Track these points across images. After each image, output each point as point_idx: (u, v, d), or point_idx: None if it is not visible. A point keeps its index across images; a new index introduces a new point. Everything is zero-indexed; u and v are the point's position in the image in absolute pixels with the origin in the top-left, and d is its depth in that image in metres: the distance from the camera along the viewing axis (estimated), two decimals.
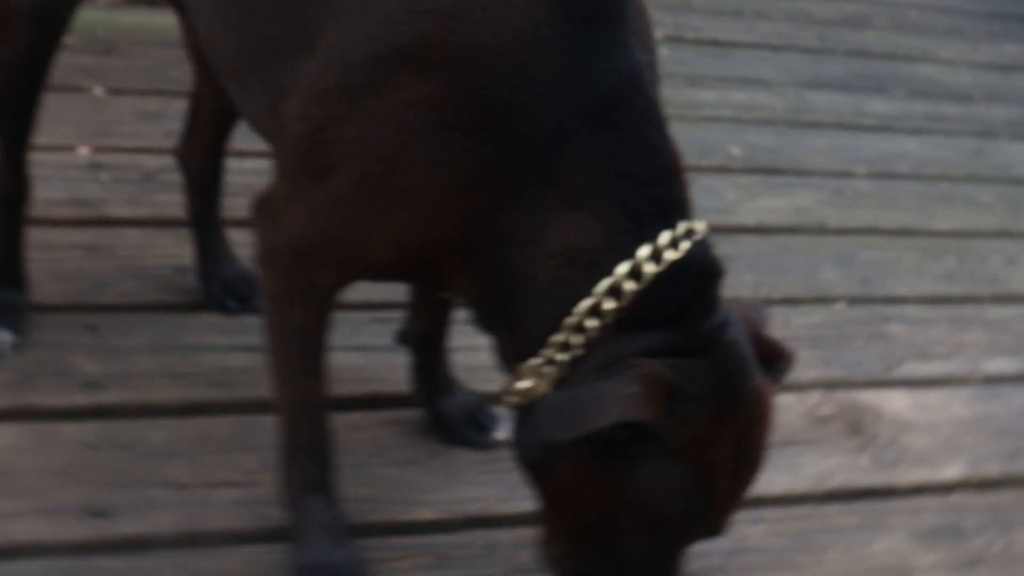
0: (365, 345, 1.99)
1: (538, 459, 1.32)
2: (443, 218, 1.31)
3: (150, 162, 2.38)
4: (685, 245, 1.28)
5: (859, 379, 2.18)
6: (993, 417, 2.15)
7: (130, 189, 2.28)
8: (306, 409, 1.51)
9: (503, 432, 1.85)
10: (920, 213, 2.81)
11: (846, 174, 2.93)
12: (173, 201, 2.26)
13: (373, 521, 1.67)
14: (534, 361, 1.32)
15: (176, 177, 2.33)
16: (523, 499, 1.75)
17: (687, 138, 2.93)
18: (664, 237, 1.27)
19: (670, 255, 1.27)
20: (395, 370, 1.95)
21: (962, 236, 2.76)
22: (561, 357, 1.30)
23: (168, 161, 2.38)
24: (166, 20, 2.97)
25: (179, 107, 2.59)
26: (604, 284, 1.27)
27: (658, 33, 3.55)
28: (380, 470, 1.76)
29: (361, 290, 2.11)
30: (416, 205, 1.30)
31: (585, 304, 1.27)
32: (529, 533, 1.70)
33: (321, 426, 1.53)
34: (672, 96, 3.13)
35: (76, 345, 1.87)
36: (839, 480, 1.92)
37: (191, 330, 1.96)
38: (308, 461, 1.53)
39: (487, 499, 1.74)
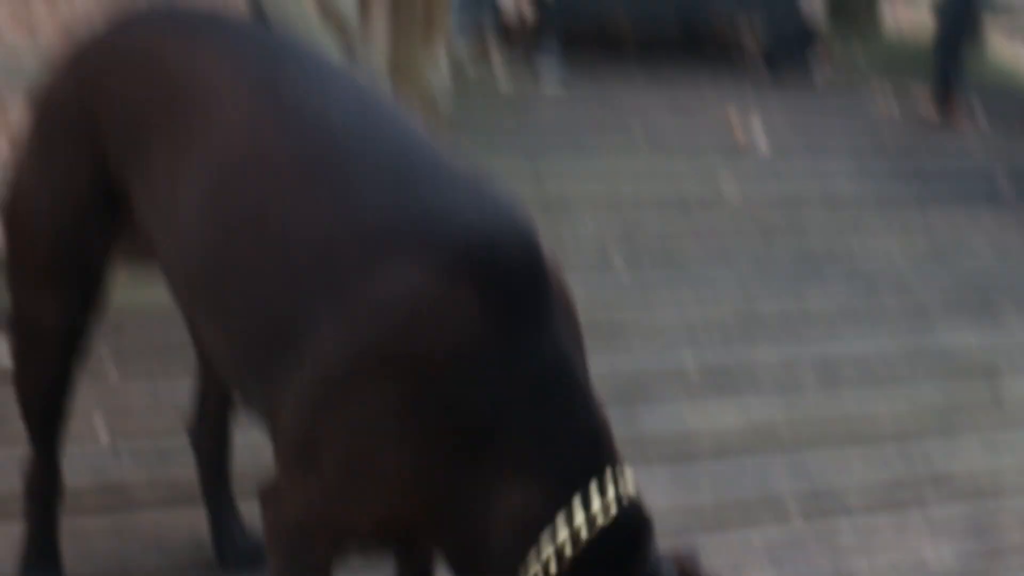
0: None
1: None
2: (413, 497, 1.57)
3: (165, 440, 2.64)
4: (615, 508, 1.54)
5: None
6: None
7: (149, 467, 2.54)
8: None
9: None
10: (864, 418, 3.07)
11: (794, 382, 3.20)
12: (187, 475, 2.52)
13: None
14: None
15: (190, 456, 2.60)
16: None
17: (645, 362, 3.20)
18: (597, 499, 1.54)
19: (603, 519, 1.53)
20: None
21: (903, 435, 3.01)
22: None
23: (180, 439, 2.64)
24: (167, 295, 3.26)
25: (185, 381, 2.86)
26: (546, 552, 1.52)
27: (616, 255, 3.84)
28: None
29: None
30: (390, 488, 1.57)
31: (534, 566, 1.53)
32: None
33: None
34: (629, 319, 3.41)
35: None
36: None
37: None
38: None
39: None
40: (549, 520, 1.53)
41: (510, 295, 1.55)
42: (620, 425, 2.87)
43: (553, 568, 1.52)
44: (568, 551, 1.53)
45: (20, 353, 2.02)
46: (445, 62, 3.97)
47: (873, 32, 6.96)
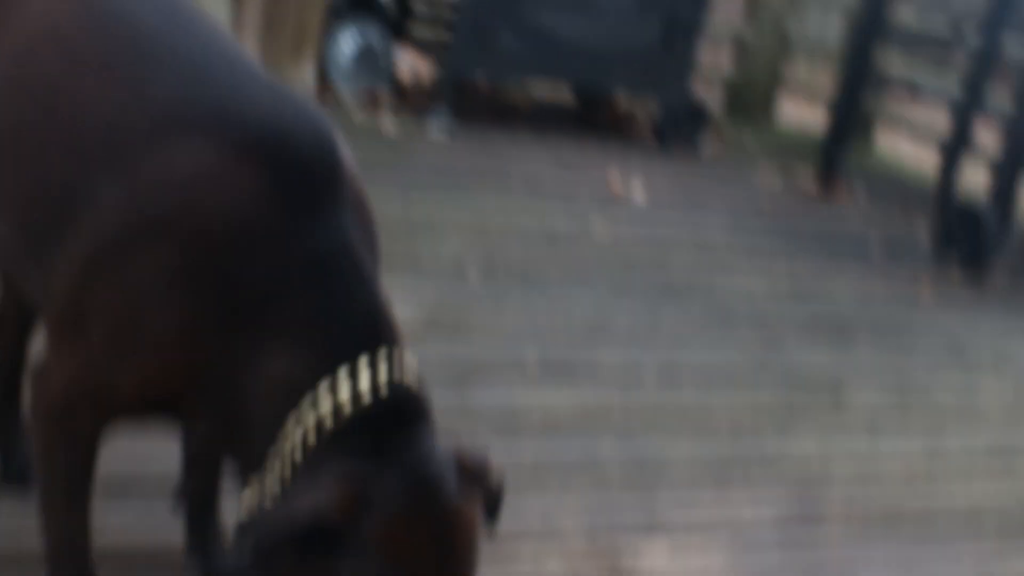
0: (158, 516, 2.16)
1: (261, 570, 1.51)
2: (177, 363, 1.55)
3: None
4: (386, 379, 1.51)
5: (624, 526, 2.38)
6: (749, 568, 2.34)
7: None
8: (70, 547, 1.70)
9: None
10: (701, 410, 3.06)
11: (635, 377, 3.19)
12: None
13: None
14: (257, 478, 1.53)
15: None
16: None
17: (486, 352, 3.17)
18: (366, 373, 1.51)
19: (369, 389, 1.50)
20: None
21: (737, 424, 3.00)
22: (275, 475, 1.51)
23: None
24: None
25: None
26: (309, 417, 1.49)
27: (472, 268, 3.84)
28: None
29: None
30: (155, 353, 1.55)
31: (291, 424, 1.49)
32: None
33: (82, 555, 1.71)
34: (476, 321, 3.39)
35: None
36: None
37: None
38: None
39: None
40: (312, 390, 1.50)
41: (297, 180, 1.55)
42: (450, 402, 2.83)
43: (312, 438, 1.49)
44: (329, 423, 1.49)
45: None
46: (312, 82, 3.99)
47: (766, 123, 7.11)
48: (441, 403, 2.72)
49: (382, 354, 1.52)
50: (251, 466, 1.55)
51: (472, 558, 1.49)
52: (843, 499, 2.61)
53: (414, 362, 1.57)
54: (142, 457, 2.30)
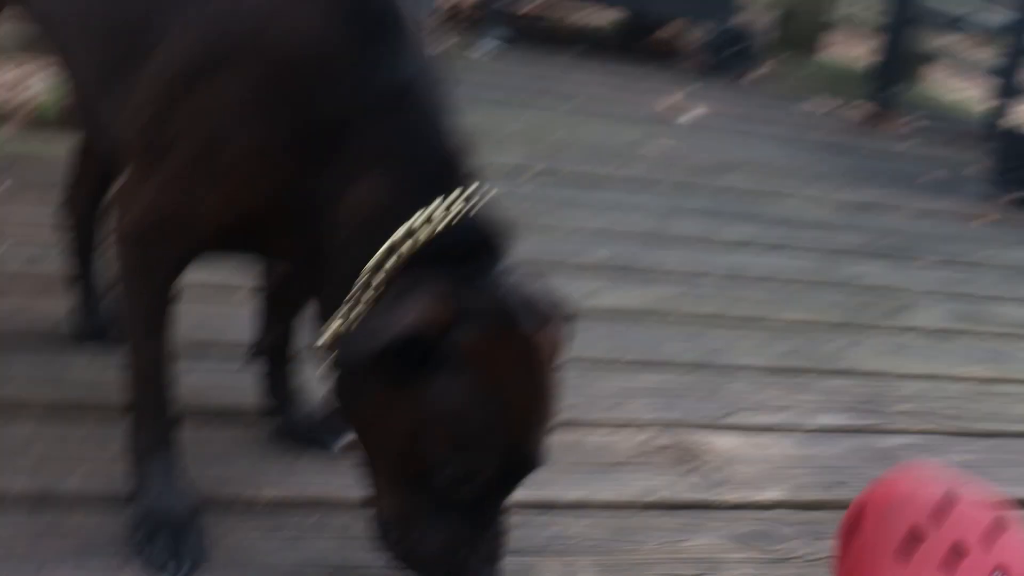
0: (235, 375, 2.15)
1: (347, 395, 1.51)
2: (259, 186, 1.53)
3: (45, 239, 2.55)
4: (472, 202, 1.51)
5: (696, 420, 2.36)
6: (818, 457, 2.32)
7: (22, 264, 2.45)
8: (150, 375, 1.69)
9: (346, 440, 2.00)
10: (767, 307, 3.03)
11: (701, 274, 3.16)
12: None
13: (214, 497, 1.80)
14: (343, 308, 1.52)
15: None
16: (358, 488, 1.90)
17: (552, 247, 3.15)
18: (453, 195, 1.50)
19: (457, 209, 1.49)
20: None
21: (805, 325, 2.97)
22: (364, 297, 1.50)
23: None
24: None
25: None
26: (399, 231, 1.48)
27: (532, 168, 3.82)
28: (235, 462, 1.90)
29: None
30: (236, 177, 1.53)
31: (382, 249, 1.48)
32: (362, 515, 1.84)
33: (164, 387, 1.70)
34: (541, 216, 3.37)
35: None
36: (663, 494, 2.08)
37: (69, 354, 2.11)
38: (152, 419, 1.70)
39: (325, 486, 1.89)
40: (398, 218, 1.49)
41: (371, 12, 1.53)
42: None
43: (399, 264, 1.48)
44: (415, 249, 1.48)
45: None
46: None
47: (815, 54, 7.03)
48: None
49: (468, 184, 1.52)
50: (335, 300, 1.53)
51: (556, 382, 1.51)
52: (907, 413, 2.59)
53: (496, 196, 1.56)
54: (218, 324, 2.29)
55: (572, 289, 2.83)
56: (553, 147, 4.13)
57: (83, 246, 2.19)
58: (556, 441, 2.14)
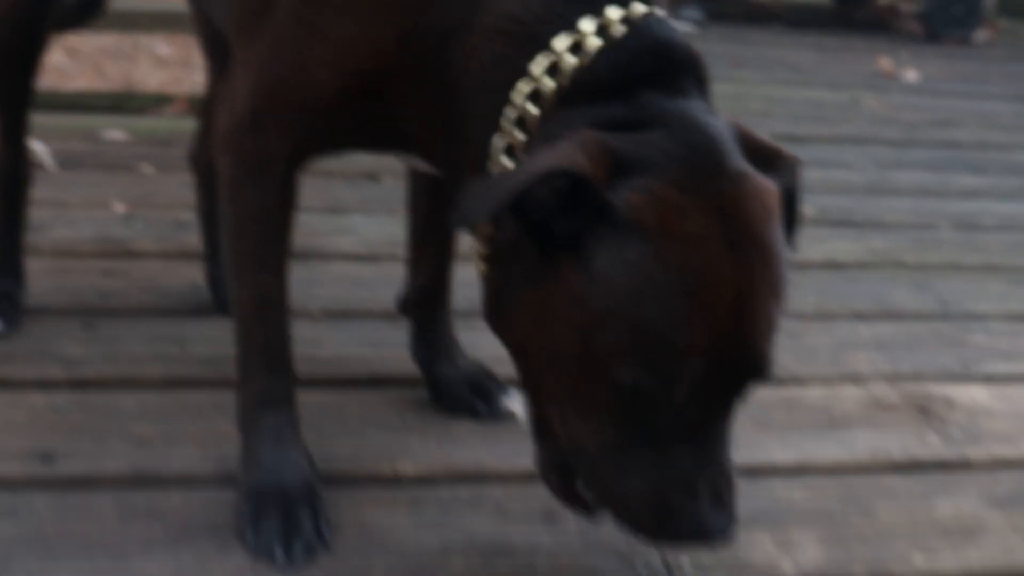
0: (378, 341, 1.86)
1: (496, 296, 1.16)
2: (378, 23, 1.20)
3: (186, 215, 2.33)
4: (639, 21, 1.14)
5: (931, 373, 1.96)
6: None
7: (160, 233, 2.23)
8: (261, 308, 1.37)
9: (512, 402, 1.68)
10: (1006, 254, 2.59)
11: (927, 226, 2.74)
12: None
13: (354, 473, 1.50)
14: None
15: None
16: (519, 458, 1.57)
17: None
18: (613, 10, 1.14)
19: (619, 29, 1.13)
20: (404, 360, 1.81)
21: None
22: (506, 154, 1.16)
23: None
24: None
25: None
26: (542, 62, 1.13)
27: None
28: (371, 433, 1.60)
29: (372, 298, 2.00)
30: (358, 9, 1.20)
31: (523, 89, 1.13)
32: (522, 489, 1.51)
33: (278, 330, 1.39)
34: None
35: (67, 336, 1.79)
36: (898, 455, 1.69)
37: (191, 328, 1.85)
38: (263, 370, 1.39)
39: (480, 458, 1.57)
40: (531, 44, 1.14)
41: None
42: None
43: (549, 82, 1.13)
44: (571, 60, 1.12)
45: None
46: None
47: None
48: None
49: (635, 3, 1.16)
50: (476, 162, 1.20)
51: (774, 242, 1.09)
52: None
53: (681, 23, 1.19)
54: (360, 293, 2.01)
55: None
56: (757, 112, 3.76)
57: (213, 197, 1.94)
58: (767, 399, 1.80)
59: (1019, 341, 2.12)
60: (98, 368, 1.70)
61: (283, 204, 1.33)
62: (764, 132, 3.50)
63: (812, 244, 2.53)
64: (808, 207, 2.79)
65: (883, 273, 2.40)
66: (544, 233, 1.09)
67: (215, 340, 1.81)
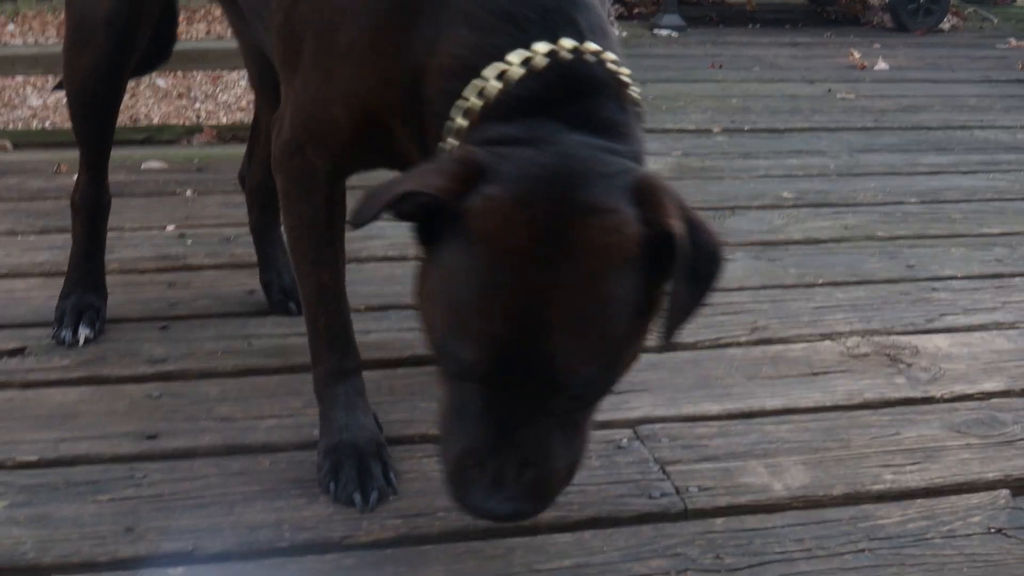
0: (413, 327, 2.14)
1: None
2: (369, 69, 1.45)
3: (229, 231, 2.61)
4: (566, 56, 1.32)
5: (899, 328, 2.23)
6: None
7: (210, 248, 2.51)
8: (320, 299, 1.67)
9: None
10: (971, 223, 2.87)
11: (896, 203, 3.02)
12: (249, 253, 2.46)
13: (410, 435, 1.78)
14: None
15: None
16: None
17: (739, 189, 3.07)
18: (540, 46, 1.32)
19: (541, 62, 1.32)
20: None
21: (1010, 236, 2.80)
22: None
23: (245, 229, 2.60)
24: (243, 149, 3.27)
25: None
26: (475, 86, 1.34)
27: (716, 126, 3.74)
28: (417, 402, 1.88)
29: None
30: (354, 58, 1.46)
31: (460, 106, 1.34)
32: None
33: (338, 316, 1.68)
34: (726, 165, 3.29)
35: (148, 338, 2.07)
36: (872, 395, 1.97)
37: (254, 326, 2.13)
38: (329, 349, 1.68)
39: None
40: (469, 70, 1.35)
41: None
42: None
43: (476, 101, 1.33)
44: (494, 86, 1.32)
45: (71, 45, 2.01)
46: None
47: (1006, 3, 6.76)
48: None
49: (561, 36, 1.33)
50: None
51: (595, 272, 1.23)
52: None
53: (615, 57, 1.36)
54: (394, 289, 2.29)
55: (760, 224, 2.76)
56: (736, 108, 4.04)
57: (261, 213, 2.21)
58: (756, 355, 2.08)
59: (979, 296, 2.40)
60: (179, 363, 1.98)
61: (331, 212, 1.63)
62: (748, 123, 3.78)
63: (792, 224, 2.81)
64: (787, 192, 3.07)
65: (857, 245, 2.68)
66: (421, 230, 1.30)
67: (275, 335, 2.09)
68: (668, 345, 1.29)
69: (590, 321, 1.23)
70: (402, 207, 1.26)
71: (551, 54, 1.32)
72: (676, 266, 1.22)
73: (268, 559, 1.49)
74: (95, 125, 2.03)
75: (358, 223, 1.28)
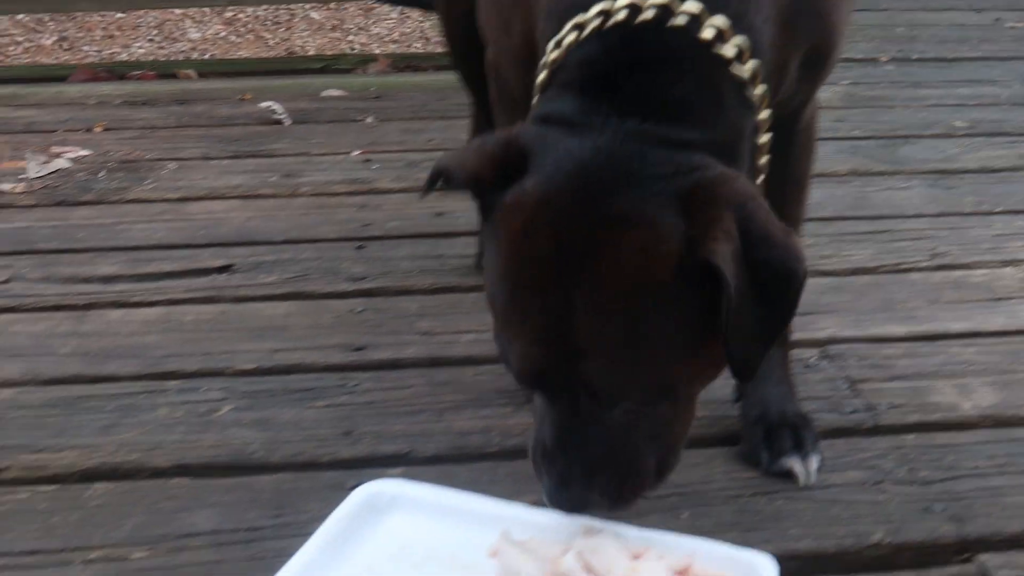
0: None
1: None
2: (517, 13, 1.43)
3: (413, 156, 2.70)
4: (646, 15, 1.16)
5: None
6: None
7: (396, 172, 2.60)
8: None
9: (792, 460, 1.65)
10: None
11: None
12: None
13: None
14: None
15: None
16: None
17: (910, 118, 3.05)
18: (621, 3, 1.17)
19: (621, 18, 1.16)
20: None
21: None
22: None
23: (428, 155, 2.68)
24: (419, 78, 3.37)
25: (437, 125, 2.92)
26: (552, 42, 1.21)
27: (883, 56, 3.71)
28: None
29: None
30: (509, 6, 1.47)
31: (542, 60, 1.24)
32: None
33: None
34: (895, 94, 3.28)
35: (345, 257, 2.17)
36: None
37: (444, 247, 2.22)
38: None
39: None
40: (575, 7, 1.21)
41: None
42: (878, 156, 2.74)
43: (554, 55, 1.21)
44: (549, 63, 1.21)
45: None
46: None
47: None
48: (868, 159, 2.66)
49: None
50: None
51: (612, 303, 1.09)
52: None
53: (726, 22, 1.17)
54: None
55: (934, 153, 2.75)
56: (903, 37, 3.99)
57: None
58: (938, 280, 2.10)
59: None
60: (378, 280, 2.07)
61: (517, 107, 1.58)
62: (915, 53, 3.74)
63: (966, 152, 2.80)
64: (959, 121, 3.04)
65: None
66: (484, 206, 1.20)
67: (466, 255, 2.17)
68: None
69: (621, 349, 1.10)
70: (450, 182, 1.17)
71: (631, 8, 1.16)
72: (724, 296, 1.06)
73: (480, 463, 1.58)
74: (474, 64, 1.91)
75: (423, 194, 1.23)
